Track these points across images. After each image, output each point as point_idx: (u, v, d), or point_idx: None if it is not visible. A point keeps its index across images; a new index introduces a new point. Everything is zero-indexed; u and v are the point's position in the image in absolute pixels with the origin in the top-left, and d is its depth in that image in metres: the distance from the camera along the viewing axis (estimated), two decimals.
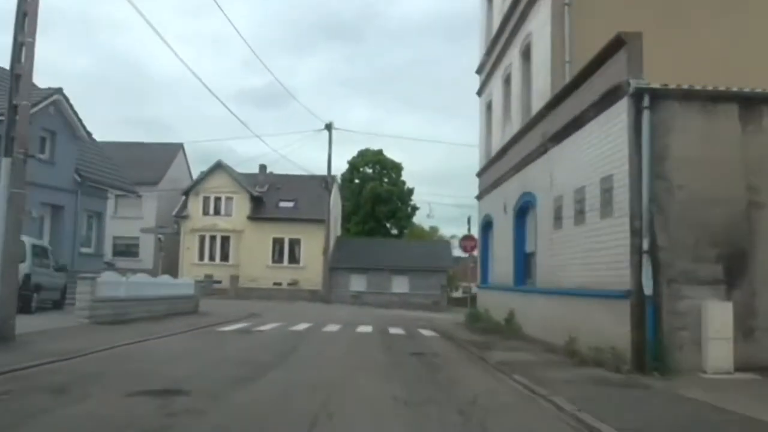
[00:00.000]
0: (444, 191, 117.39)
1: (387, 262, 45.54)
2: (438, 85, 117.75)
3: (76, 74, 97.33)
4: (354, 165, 67.41)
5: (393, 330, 19.68)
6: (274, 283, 43.81)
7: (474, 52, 25.36)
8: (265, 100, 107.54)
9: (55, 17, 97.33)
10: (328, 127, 39.06)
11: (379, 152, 66.81)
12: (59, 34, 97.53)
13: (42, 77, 49.42)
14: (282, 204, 46.22)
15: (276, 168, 49.44)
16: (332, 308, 33.50)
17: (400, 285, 44.24)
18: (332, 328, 19.67)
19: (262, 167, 48.64)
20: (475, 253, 22.92)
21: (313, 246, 42.45)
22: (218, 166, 45.47)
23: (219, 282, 41.53)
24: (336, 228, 50.40)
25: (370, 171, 67.66)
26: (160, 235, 29.19)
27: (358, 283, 44.57)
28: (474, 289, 25.59)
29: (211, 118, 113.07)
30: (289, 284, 43.79)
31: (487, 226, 22.35)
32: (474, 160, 24.50)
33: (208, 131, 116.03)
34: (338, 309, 32.90)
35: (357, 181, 67.48)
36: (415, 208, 67.21)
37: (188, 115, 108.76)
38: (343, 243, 49.00)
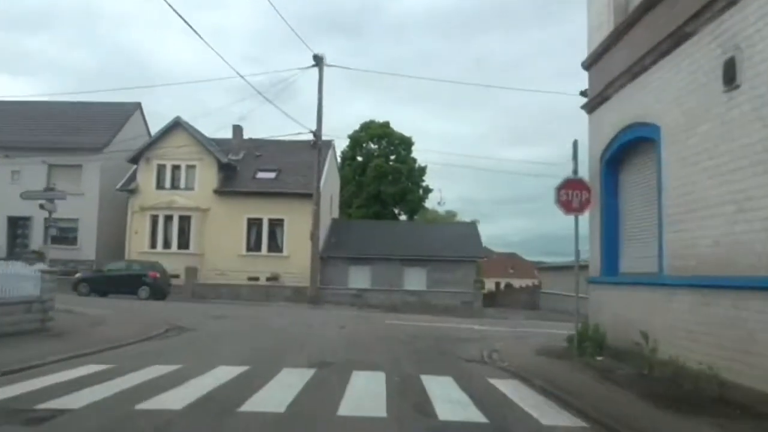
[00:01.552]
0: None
1: (398, 250, 33.97)
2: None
3: None
4: (356, 140, 55.94)
5: (433, 386, 8.01)
6: (249, 278, 32.26)
7: None
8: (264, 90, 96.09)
9: None
10: (317, 60, 27.47)
11: (386, 125, 55.31)
12: None
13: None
14: (261, 175, 34.61)
15: (256, 132, 37.97)
16: (320, 314, 21.92)
17: (415, 280, 32.68)
18: (289, 379, 8.06)
19: (237, 129, 36.97)
20: (586, 213, 11.22)
21: (300, 229, 30.73)
22: (176, 125, 33.84)
23: (177, 276, 29.99)
24: (332, 208, 38.76)
25: (375, 147, 56.17)
26: (43, 202, 17.77)
27: (359, 277, 33.01)
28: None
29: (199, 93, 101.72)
30: (268, 279, 32.20)
31: (617, 160, 10.78)
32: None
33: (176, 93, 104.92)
34: (328, 316, 21.31)
35: (360, 158, 56.03)
36: (428, 190, 55.84)
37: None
38: (341, 226, 37.39)
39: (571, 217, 11.40)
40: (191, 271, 29.23)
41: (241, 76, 34.75)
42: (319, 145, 27.84)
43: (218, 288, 30.28)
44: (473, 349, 12.53)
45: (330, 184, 37.38)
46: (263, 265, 32.64)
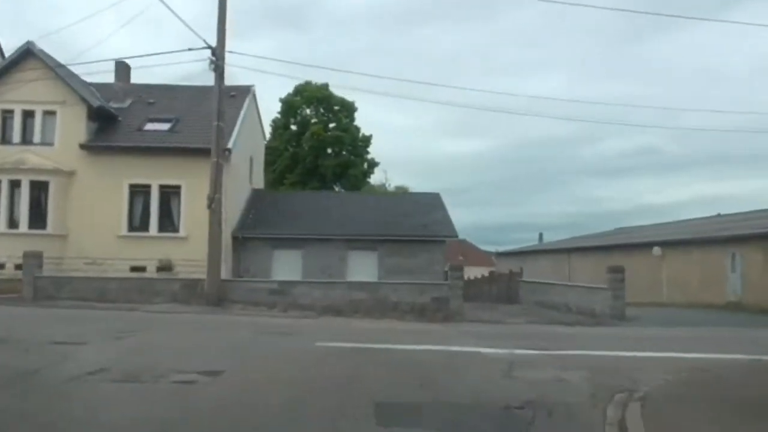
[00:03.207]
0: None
1: (340, 227, 24.72)
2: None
3: None
4: (289, 104, 46.18)
5: None
6: (132, 268, 22.41)
7: None
8: None
9: None
10: None
11: (324, 87, 45.71)
12: None
13: None
14: (150, 126, 24.66)
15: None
16: (196, 333, 12.16)
17: (364, 268, 23.44)
18: None
19: (121, 68, 26.70)
20: None
21: (204, 201, 20.74)
22: (28, 54, 23.45)
23: (1, 267, 19.91)
24: (253, 177, 29.03)
25: (311, 113, 46.56)
26: None
27: (287, 264, 23.56)
28: None
29: None
30: (159, 269, 22.36)
31: None
32: None
33: None
34: (205, 336, 11.70)
35: (294, 127, 46.35)
36: (373, 164, 46.58)
37: None
38: (263, 199, 27.78)
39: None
40: (32, 259, 19.07)
41: None
42: (220, 69, 18.13)
43: (83, 285, 20.06)
44: None
45: (250, 144, 27.70)
46: (152, 250, 22.76)
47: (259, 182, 32.02)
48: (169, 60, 27.50)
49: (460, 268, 19.31)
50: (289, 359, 8.42)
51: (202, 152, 20.25)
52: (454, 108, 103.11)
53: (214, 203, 18.06)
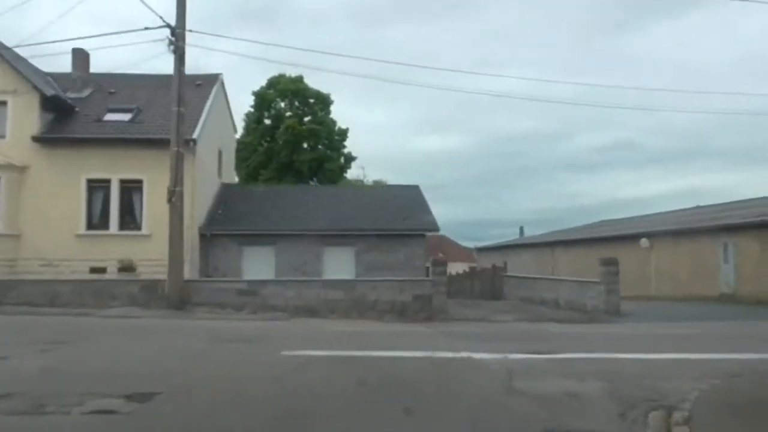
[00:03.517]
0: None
1: (314, 222, 23.23)
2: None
3: None
4: (263, 97, 44.44)
5: None
6: (92, 269, 20.72)
7: None
8: None
9: None
10: None
11: (299, 79, 44.08)
12: None
13: None
14: (110, 117, 22.92)
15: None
16: (146, 347, 10.68)
17: (340, 265, 21.96)
18: None
19: (79, 55, 24.91)
20: None
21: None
22: None
23: None
24: (222, 171, 27.36)
25: (285, 105, 44.87)
26: None
27: (257, 262, 22.01)
28: None
29: None
30: (120, 270, 20.67)
31: None
32: None
33: None
34: (159, 350, 10.22)
35: (268, 121, 44.64)
36: (350, 158, 45.01)
37: None
38: (233, 194, 26.15)
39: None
40: None
41: None
42: (180, 50, 16.52)
43: (22, 286, 18.19)
44: None
45: (218, 136, 26.06)
46: (113, 250, 21.06)
47: (231, 177, 30.41)
48: (127, 40, 25.51)
49: (444, 263, 17.93)
50: (243, 376, 6.95)
51: (165, 144, 18.39)
52: (429, 104, 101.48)
53: (174, 197, 16.48)
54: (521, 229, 59.17)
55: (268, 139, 44.00)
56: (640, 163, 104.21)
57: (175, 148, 16.59)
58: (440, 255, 43.33)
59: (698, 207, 33.21)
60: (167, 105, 21.18)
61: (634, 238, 28.66)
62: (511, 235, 61.47)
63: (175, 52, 16.73)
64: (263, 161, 43.29)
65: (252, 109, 44.65)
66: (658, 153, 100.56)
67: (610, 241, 31.30)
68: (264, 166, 43.13)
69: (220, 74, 26.29)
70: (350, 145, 44.75)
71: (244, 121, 44.41)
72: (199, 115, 22.49)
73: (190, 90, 23.89)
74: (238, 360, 8.06)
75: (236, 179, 36.78)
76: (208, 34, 15.75)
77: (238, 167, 43.81)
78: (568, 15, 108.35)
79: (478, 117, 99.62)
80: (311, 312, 15.99)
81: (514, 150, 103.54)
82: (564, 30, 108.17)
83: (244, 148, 43.81)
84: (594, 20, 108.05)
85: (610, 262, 17.50)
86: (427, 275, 19.56)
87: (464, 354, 8.54)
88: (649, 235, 27.83)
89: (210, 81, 25.29)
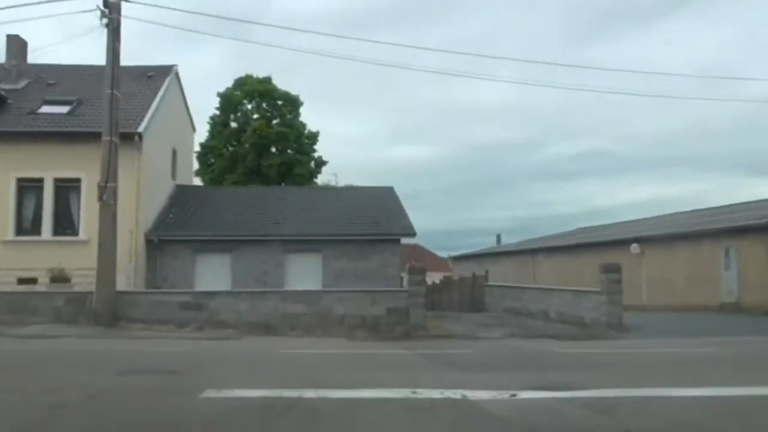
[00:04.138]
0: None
1: (277, 227, 20.66)
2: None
3: None
4: (228, 99, 41.69)
5: None
6: (20, 280, 17.92)
7: None
8: None
9: None
10: None
11: (267, 80, 41.55)
12: None
13: None
14: (46, 109, 20.17)
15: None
16: (17, 387, 8.07)
17: (306, 273, 19.42)
18: None
19: (14, 42, 22.09)
20: None
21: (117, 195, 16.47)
22: None
23: None
24: (176, 171, 24.58)
25: (252, 107, 42.23)
26: None
27: (212, 271, 19.37)
28: None
29: None
30: (52, 280, 17.84)
31: None
32: None
33: None
34: (31, 391, 7.63)
35: (234, 124, 41.92)
36: (320, 162, 42.42)
37: None
38: (187, 196, 23.39)
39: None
40: None
41: None
42: (114, 23, 13.92)
43: None
44: None
45: (171, 133, 23.37)
46: (46, 258, 18.22)
47: (188, 180, 27.69)
48: (58, 10, 22.65)
49: (422, 271, 15.51)
50: None
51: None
52: (401, 114, 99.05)
53: (106, 194, 13.84)
54: (498, 237, 56.91)
55: (234, 142, 41.28)
56: (613, 172, 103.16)
57: (108, 138, 13.97)
58: (413, 263, 40.95)
59: (695, 210, 31.23)
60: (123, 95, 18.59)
61: (623, 243, 26.55)
62: (486, 244, 59.18)
63: (108, 25, 14.13)
64: (229, 166, 40.53)
65: (217, 111, 41.96)
66: (631, 162, 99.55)
67: (596, 247, 29.16)
68: (230, 170, 40.36)
69: (175, 66, 23.66)
70: (321, 150, 42.36)
71: (209, 123, 41.76)
72: (148, 108, 19.87)
73: (140, 81, 21.41)
74: (132, 409, 5.50)
75: (195, 183, 34.02)
76: (146, 4, 13.07)
77: (203, 172, 41.03)
78: (540, 26, 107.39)
79: (453, 126, 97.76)
80: (267, 328, 13.46)
81: (487, 159, 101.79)
82: (537, 39, 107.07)
83: (208, 152, 41.11)
84: (566, 30, 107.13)
85: (612, 269, 15.28)
86: (402, 285, 17.15)
87: (456, 393, 6.10)
88: (640, 240, 25.74)
89: (163, 72, 22.68)
